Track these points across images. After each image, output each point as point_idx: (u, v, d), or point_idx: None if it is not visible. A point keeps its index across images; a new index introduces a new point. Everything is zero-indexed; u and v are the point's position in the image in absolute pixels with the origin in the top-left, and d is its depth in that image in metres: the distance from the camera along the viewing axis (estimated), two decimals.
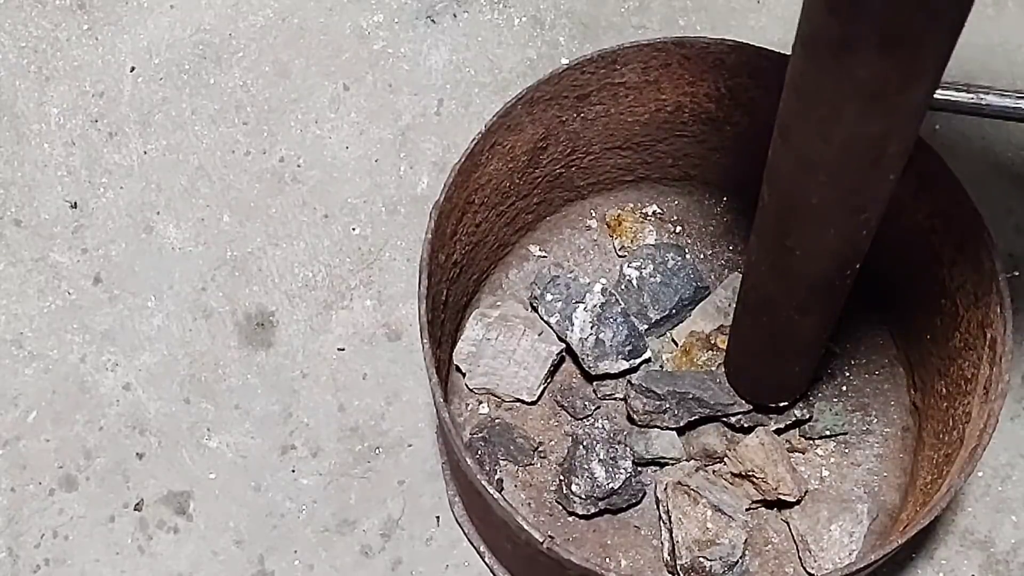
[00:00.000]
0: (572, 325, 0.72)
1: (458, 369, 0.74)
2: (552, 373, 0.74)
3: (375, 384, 0.81)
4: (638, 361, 0.73)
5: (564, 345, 0.74)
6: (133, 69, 0.93)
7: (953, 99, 0.90)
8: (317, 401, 0.80)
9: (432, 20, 0.96)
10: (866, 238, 0.51)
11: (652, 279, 0.75)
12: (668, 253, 0.76)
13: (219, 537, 0.76)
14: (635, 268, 0.75)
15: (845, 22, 0.36)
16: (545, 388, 0.75)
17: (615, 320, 0.72)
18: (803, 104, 0.42)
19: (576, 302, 0.73)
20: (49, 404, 0.80)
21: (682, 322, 0.76)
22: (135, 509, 0.77)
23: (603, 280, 0.75)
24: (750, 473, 0.68)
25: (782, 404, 0.70)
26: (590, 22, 0.96)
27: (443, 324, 0.70)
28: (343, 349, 0.82)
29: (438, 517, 0.76)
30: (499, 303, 0.77)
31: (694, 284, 0.75)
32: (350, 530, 0.76)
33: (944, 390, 0.67)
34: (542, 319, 0.74)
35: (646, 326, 0.75)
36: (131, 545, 0.76)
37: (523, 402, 0.74)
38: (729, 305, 0.76)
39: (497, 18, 0.96)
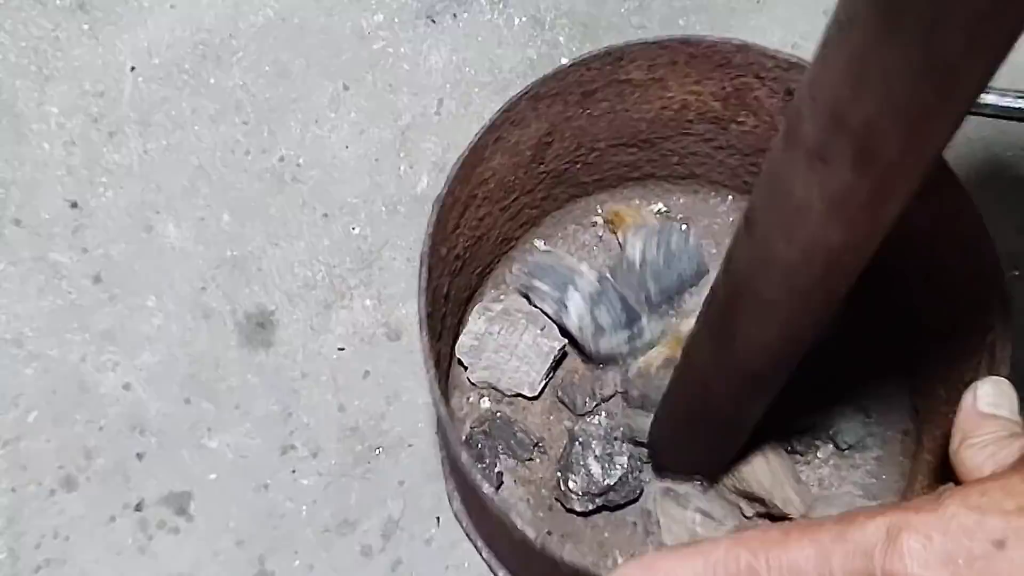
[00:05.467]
0: (568, 311, 0.72)
1: (460, 363, 0.74)
2: (554, 368, 0.74)
3: (375, 384, 0.81)
4: (636, 327, 0.73)
5: (566, 341, 0.74)
6: (133, 69, 0.93)
7: None
8: (317, 401, 0.80)
9: (432, 20, 0.96)
10: (808, 339, 0.50)
11: (655, 259, 0.75)
12: (671, 234, 0.76)
13: (219, 537, 0.76)
14: (637, 248, 0.75)
15: (823, 132, 0.36)
16: (547, 383, 0.75)
17: (608, 298, 0.72)
18: (772, 201, 0.42)
19: (568, 285, 0.73)
20: (49, 404, 0.80)
21: (683, 303, 0.76)
22: (135, 509, 0.77)
23: (586, 264, 0.75)
24: (756, 496, 0.68)
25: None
26: (590, 22, 0.96)
27: (444, 319, 0.69)
28: (343, 349, 0.82)
29: (438, 518, 0.76)
30: (502, 297, 0.77)
31: (695, 264, 0.75)
32: (350, 530, 0.76)
33: (944, 394, 0.67)
34: (536, 307, 0.74)
35: (647, 306, 0.75)
36: (131, 545, 0.76)
37: (525, 397, 0.74)
38: None
39: (497, 18, 0.96)
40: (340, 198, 0.88)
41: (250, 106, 0.92)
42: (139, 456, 0.79)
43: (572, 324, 0.72)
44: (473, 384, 0.74)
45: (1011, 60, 0.90)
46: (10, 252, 0.86)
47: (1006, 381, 0.52)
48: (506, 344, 0.73)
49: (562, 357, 0.74)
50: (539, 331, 0.73)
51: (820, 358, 0.74)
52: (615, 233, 0.80)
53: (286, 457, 0.78)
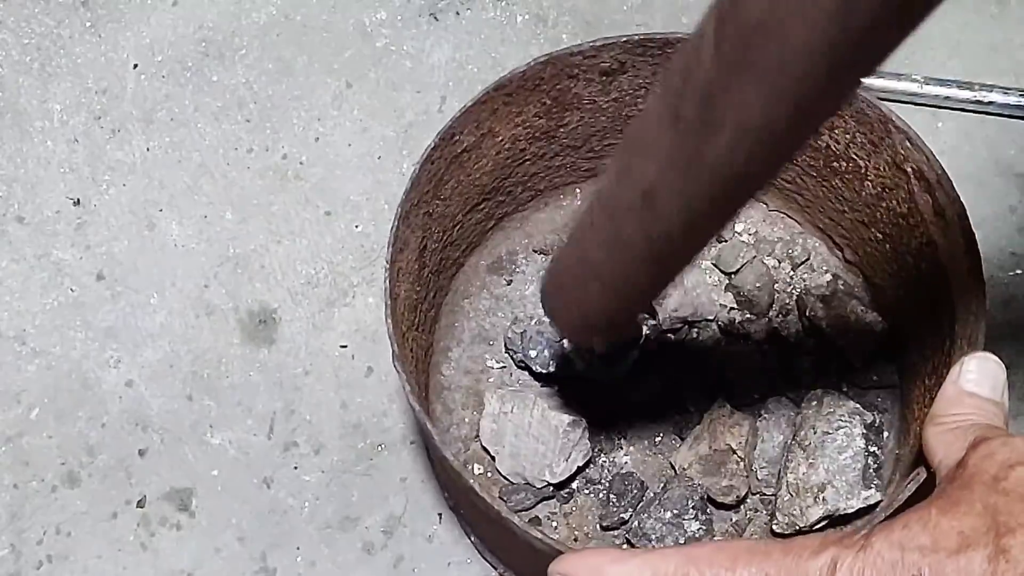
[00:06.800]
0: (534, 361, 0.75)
1: (486, 450, 0.72)
2: (573, 447, 0.71)
3: (377, 381, 0.81)
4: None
5: (581, 420, 0.71)
6: (136, 66, 0.93)
7: (956, 97, 0.90)
8: (319, 398, 0.80)
9: (435, 17, 0.96)
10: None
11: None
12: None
13: (221, 534, 0.76)
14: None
15: None
16: (569, 466, 0.71)
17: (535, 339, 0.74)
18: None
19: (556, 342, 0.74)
20: (52, 401, 0.81)
21: None
22: (138, 506, 0.77)
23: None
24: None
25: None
26: (593, 20, 0.96)
27: (416, 365, 0.70)
28: (345, 346, 0.82)
29: (440, 514, 0.76)
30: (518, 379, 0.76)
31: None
32: (352, 527, 0.76)
33: (928, 380, 0.67)
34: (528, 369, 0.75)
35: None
36: (133, 542, 0.76)
37: (551, 485, 0.70)
38: None
39: (500, 16, 0.96)
40: (343, 196, 0.88)
41: (253, 103, 0.92)
42: (141, 453, 0.79)
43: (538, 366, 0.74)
44: (505, 476, 0.72)
45: (1015, 59, 0.90)
46: (13, 249, 0.86)
47: (994, 358, 0.52)
48: (521, 423, 0.70)
49: (582, 434, 0.71)
50: (547, 406, 0.70)
51: (807, 340, 0.74)
52: None
53: (288, 454, 0.79)
